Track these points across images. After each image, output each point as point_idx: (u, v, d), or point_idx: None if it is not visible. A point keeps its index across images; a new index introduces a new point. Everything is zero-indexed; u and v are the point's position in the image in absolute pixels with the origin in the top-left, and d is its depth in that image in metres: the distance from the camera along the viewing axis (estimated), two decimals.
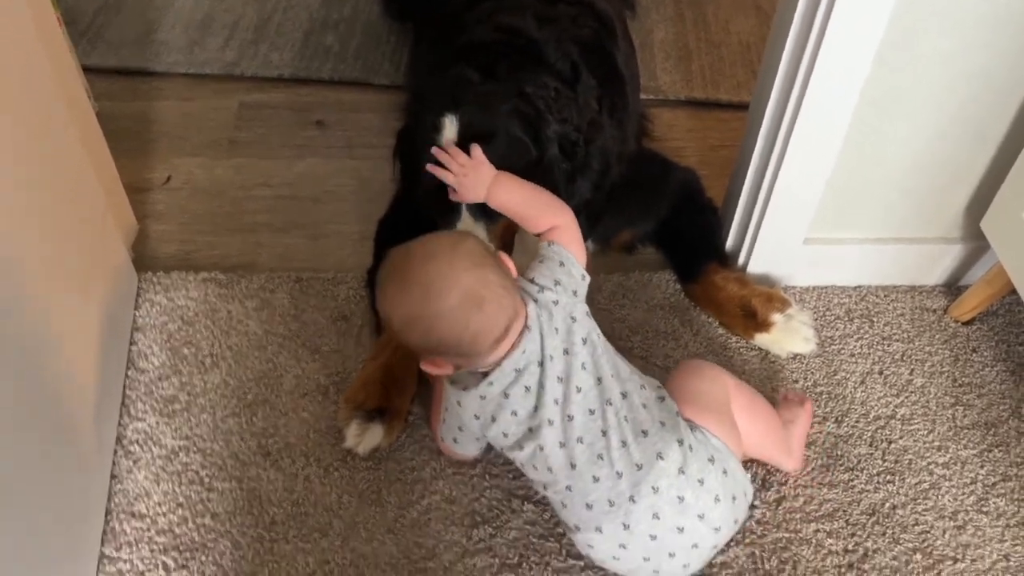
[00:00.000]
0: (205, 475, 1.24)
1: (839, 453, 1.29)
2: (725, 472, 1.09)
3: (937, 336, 1.44)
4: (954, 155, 1.35)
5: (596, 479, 1.07)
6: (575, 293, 1.13)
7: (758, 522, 1.21)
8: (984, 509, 1.23)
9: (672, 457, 1.07)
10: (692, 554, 1.09)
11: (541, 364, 1.08)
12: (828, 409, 1.34)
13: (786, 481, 1.25)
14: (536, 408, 1.09)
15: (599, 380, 1.09)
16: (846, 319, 1.46)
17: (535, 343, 1.07)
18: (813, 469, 1.27)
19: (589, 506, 1.08)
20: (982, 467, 1.28)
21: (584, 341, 1.10)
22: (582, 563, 1.17)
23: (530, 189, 1.18)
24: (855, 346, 1.42)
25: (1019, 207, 1.26)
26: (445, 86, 1.27)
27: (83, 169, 1.26)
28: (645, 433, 1.08)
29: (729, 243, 1.51)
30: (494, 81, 1.27)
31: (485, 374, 1.09)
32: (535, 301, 1.09)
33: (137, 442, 1.27)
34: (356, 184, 1.68)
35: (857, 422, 1.33)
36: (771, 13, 2.09)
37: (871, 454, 1.29)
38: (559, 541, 1.19)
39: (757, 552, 1.18)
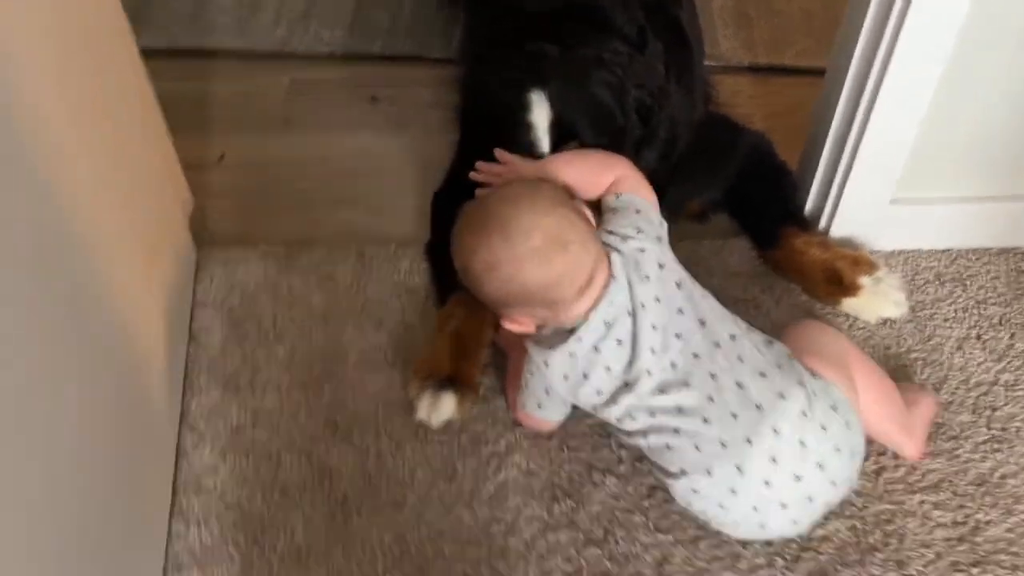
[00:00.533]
0: (273, 450, 1.20)
1: (940, 421, 1.21)
2: (848, 424, 1.03)
3: None
4: None
5: (707, 421, 1.02)
6: (659, 239, 1.09)
7: (858, 494, 1.14)
8: None
9: (796, 397, 1.01)
10: (805, 509, 1.03)
11: (632, 314, 1.04)
12: (924, 376, 1.27)
13: (885, 451, 1.17)
14: (631, 361, 1.04)
15: (702, 323, 1.05)
16: (937, 283, 1.38)
17: (623, 293, 1.03)
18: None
19: (698, 447, 1.03)
20: None
21: (679, 285, 1.06)
22: (671, 537, 1.10)
23: (578, 158, 1.15)
24: (948, 310, 1.34)
25: None
26: (524, 62, 1.22)
27: (144, 144, 1.22)
28: (763, 375, 1.03)
29: (809, 206, 1.44)
30: (572, 52, 1.22)
31: (571, 331, 1.03)
32: (619, 252, 1.04)
33: (202, 417, 1.23)
34: (412, 158, 1.63)
35: (957, 389, 1.25)
36: None
37: (974, 422, 1.21)
38: (645, 515, 1.13)
39: (859, 525, 1.11)
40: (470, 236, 1.05)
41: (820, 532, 1.10)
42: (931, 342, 1.30)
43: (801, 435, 1.01)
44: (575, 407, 1.14)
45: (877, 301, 1.31)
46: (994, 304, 1.35)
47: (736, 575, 1.07)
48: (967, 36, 1.17)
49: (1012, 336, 1.31)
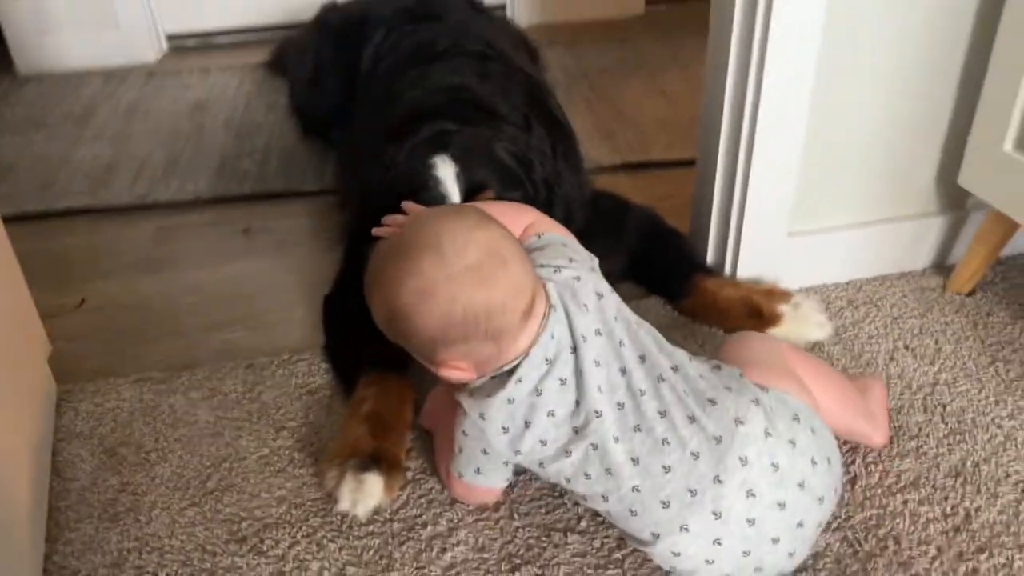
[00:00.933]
0: (166, 573, 0.98)
1: (897, 424, 1.15)
2: (814, 431, 0.93)
3: (946, 308, 1.36)
4: (912, 124, 1.34)
5: (667, 468, 0.89)
6: (592, 269, 1.00)
7: (839, 505, 1.03)
8: None
9: (754, 418, 0.90)
10: (797, 536, 0.90)
11: (574, 350, 0.92)
12: None
13: (853, 460, 1.09)
14: (578, 402, 0.92)
15: (643, 358, 0.94)
16: (851, 308, 1.37)
17: (562, 325, 0.93)
18: (877, 451, 1.11)
19: (666, 503, 0.89)
20: None
21: (616, 318, 0.96)
22: None
23: (490, 205, 1.05)
24: (870, 329, 1.32)
25: (996, 141, 1.23)
26: (427, 136, 1.19)
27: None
28: (713, 402, 0.92)
29: (711, 258, 1.43)
30: (470, 128, 1.21)
31: (510, 372, 0.92)
32: (554, 282, 0.94)
33: (73, 555, 1.01)
34: (294, 277, 1.53)
35: (902, 393, 1.20)
36: (675, 97, 2.18)
37: (930, 419, 1.15)
38: (620, 567, 0.97)
39: (850, 535, 1.00)
40: (393, 266, 0.89)
41: (813, 551, 0.98)
42: (863, 358, 1.27)
43: (771, 457, 0.89)
44: (521, 471, 1.02)
45: (801, 326, 1.28)
46: (910, 317, 1.34)
47: None
48: (825, 64, 1.23)
49: (936, 341, 1.29)
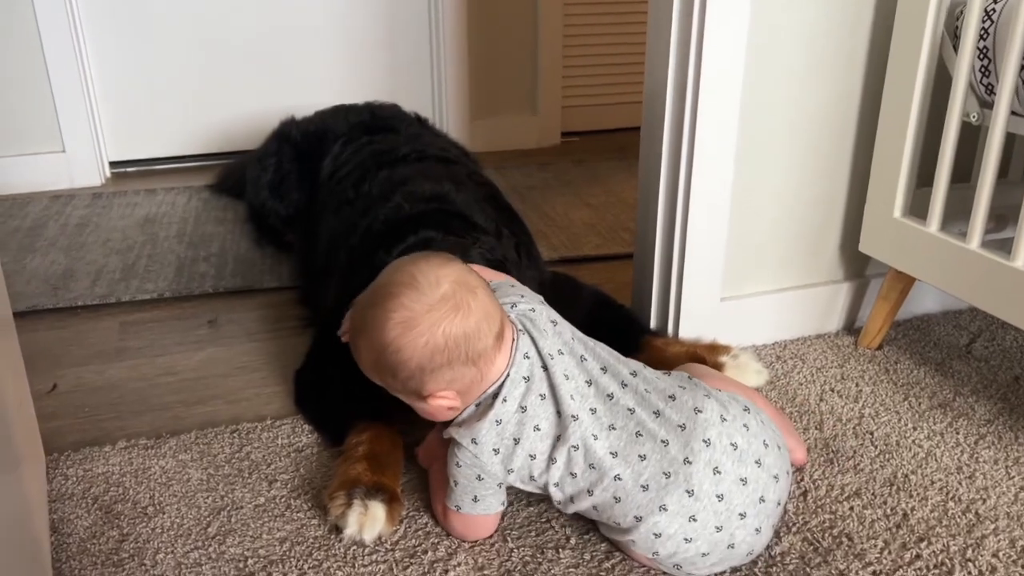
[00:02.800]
0: None
1: (834, 448, 1.30)
2: (762, 421, 1.08)
3: (861, 359, 1.55)
4: (817, 201, 1.57)
5: (643, 457, 1.02)
6: (542, 303, 1.15)
7: (795, 513, 1.16)
8: (980, 459, 1.27)
9: (710, 408, 1.04)
10: (761, 512, 1.02)
11: (545, 368, 1.06)
12: (806, 422, 1.37)
13: (802, 478, 1.23)
14: (558, 412, 1.04)
15: (604, 368, 1.09)
16: (780, 362, 1.54)
17: (531, 347, 1.06)
18: (819, 465, 1.26)
19: (645, 487, 1.01)
20: (958, 433, 1.33)
21: (573, 338, 1.11)
22: None
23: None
24: (799, 377, 1.49)
25: (886, 210, 1.46)
26: (410, 244, 1.30)
27: None
28: (672, 397, 1.06)
29: (654, 322, 1.59)
30: (452, 236, 1.32)
31: (495, 396, 1.04)
32: (512, 314, 1.09)
33: None
34: (264, 358, 1.61)
35: (835, 425, 1.36)
36: (599, 207, 2.41)
37: (862, 444, 1.31)
38: (611, 574, 1.06)
39: (809, 536, 1.12)
40: (377, 308, 1.01)
41: (778, 550, 1.10)
42: (796, 400, 1.43)
43: (730, 438, 1.02)
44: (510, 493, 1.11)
45: (741, 373, 1.43)
46: (831, 367, 1.52)
47: None
48: (742, 156, 1.46)
49: (856, 384, 1.47)
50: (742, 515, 1.01)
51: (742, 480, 1.01)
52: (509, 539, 1.12)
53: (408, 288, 1.02)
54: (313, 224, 1.82)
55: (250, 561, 1.08)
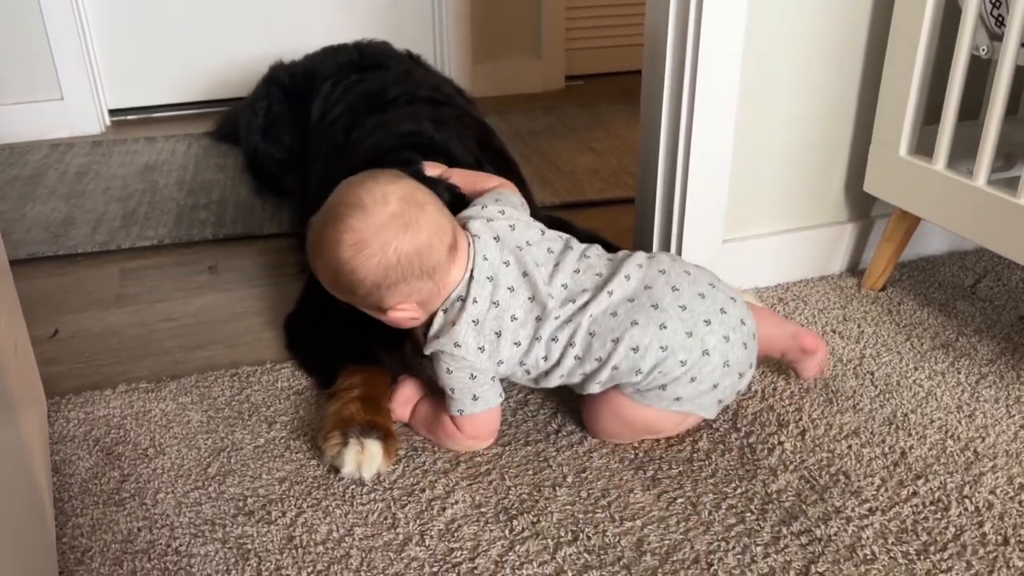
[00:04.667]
0: (178, 545, 1.02)
1: (834, 389, 1.29)
2: (744, 318, 1.14)
3: (864, 300, 1.54)
4: (822, 139, 1.54)
5: (611, 293, 1.09)
6: (529, 216, 1.19)
7: (793, 452, 1.16)
8: (981, 399, 1.26)
9: (673, 268, 1.14)
10: (725, 322, 1.10)
11: (509, 263, 1.10)
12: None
13: (800, 417, 1.23)
14: (532, 297, 1.09)
15: (567, 245, 1.15)
16: (782, 304, 1.53)
17: (492, 250, 1.10)
18: (819, 405, 1.26)
19: (614, 314, 1.08)
20: (959, 373, 1.32)
21: (542, 232, 1.16)
22: (639, 523, 1.05)
23: (470, 174, 1.27)
24: (801, 318, 1.48)
25: (892, 148, 1.43)
26: (396, 159, 1.30)
27: None
28: (640, 266, 1.13)
29: None
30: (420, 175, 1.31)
31: (463, 300, 1.07)
32: (477, 218, 1.13)
33: (83, 535, 1.04)
34: (264, 304, 1.61)
35: (835, 366, 1.35)
36: (603, 152, 2.38)
37: (862, 384, 1.30)
38: (608, 510, 1.07)
39: (806, 474, 1.12)
40: (328, 229, 1.04)
41: (774, 487, 1.10)
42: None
43: (697, 289, 1.11)
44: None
45: None
46: (834, 309, 1.51)
47: (712, 538, 1.02)
48: (746, 92, 1.42)
49: (859, 325, 1.46)
50: (707, 322, 1.08)
51: (700, 295, 1.10)
52: (507, 477, 1.12)
53: (355, 209, 1.03)
54: (306, 169, 1.81)
55: (249, 500, 1.09)
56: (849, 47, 1.47)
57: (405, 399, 1.22)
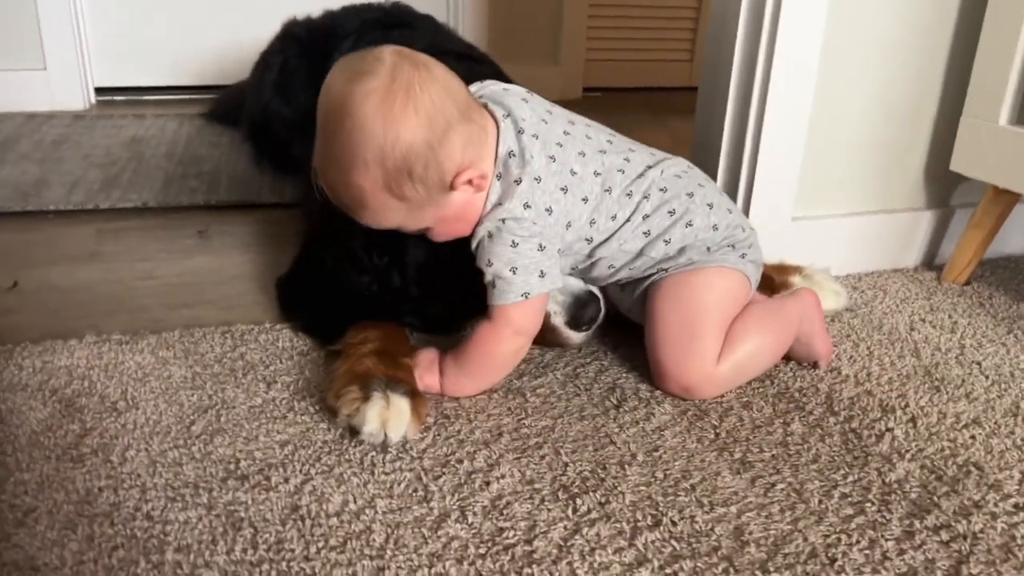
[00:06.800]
0: (150, 509, 0.79)
1: (938, 376, 1.10)
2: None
3: (949, 293, 1.36)
4: (904, 113, 1.38)
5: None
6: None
7: (906, 439, 0.96)
8: None
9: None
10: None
11: (545, 121, 1.00)
12: (899, 349, 1.17)
13: (906, 404, 1.03)
14: (583, 153, 0.99)
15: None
16: (858, 292, 1.34)
17: (523, 108, 0.99)
18: (925, 392, 1.07)
19: (701, 185, 1.06)
20: None
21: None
22: (734, 509, 0.83)
23: None
24: (883, 307, 1.29)
25: (990, 118, 1.27)
26: None
27: None
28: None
29: None
30: None
31: (509, 155, 0.96)
32: (488, 86, 1.06)
33: (27, 493, 0.81)
34: (263, 269, 1.39)
35: (933, 354, 1.16)
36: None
37: (969, 373, 1.11)
38: (692, 494, 0.86)
39: (928, 464, 0.92)
40: (345, 122, 0.89)
41: (892, 476, 0.90)
42: (884, 328, 1.23)
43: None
44: None
45: (818, 292, 1.23)
46: (917, 299, 1.33)
47: (828, 530, 0.81)
48: (825, 54, 1.26)
49: (950, 316, 1.27)
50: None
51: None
52: (562, 452, 0.91)
53: (357, 77, 0.90)
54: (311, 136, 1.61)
55: (243, 463, 0.87)
56: (936, 13, 1.32)
57: (429, 361, 1.01)
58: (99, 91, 2.47)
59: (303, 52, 1.73)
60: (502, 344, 0.97)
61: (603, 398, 1.02)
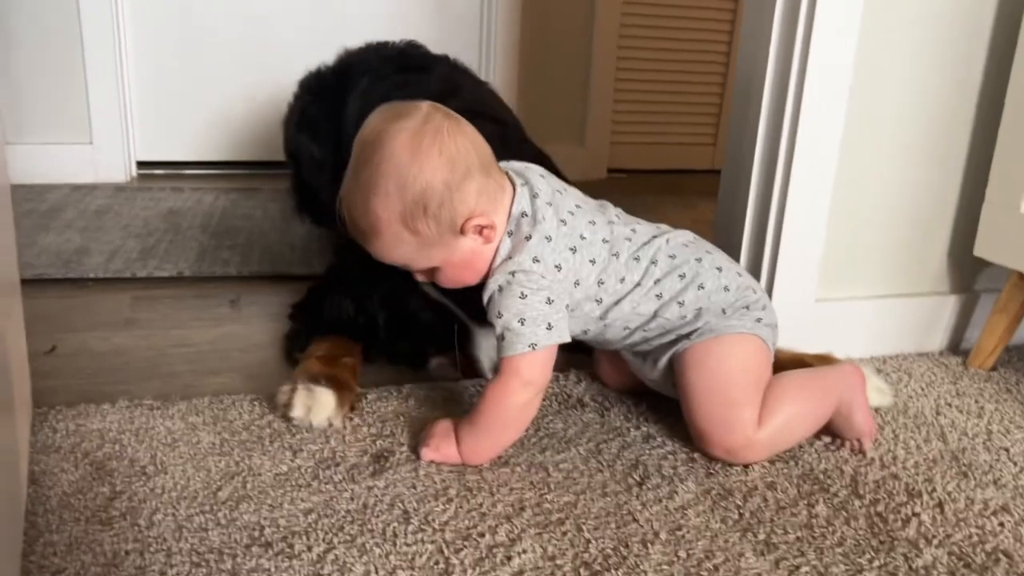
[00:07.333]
0: (175, 574, 0.80)
1: (966, 462, 1.09)
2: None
3: (975, 378, 1.35)
4: (927, 196, 1.40)
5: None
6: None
7: (933, 525, 0.95)
8: None
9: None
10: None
11: (560, 192, 1.06)
12: (925, 433, 1.17)
13: (933, 489, 1.02)
14: (594, 223, 1.04)
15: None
16: (882, 375, 1.34)
17: (540, 182, 1.04)
18: (952, 477, 1.06)
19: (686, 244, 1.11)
20: None
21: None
22: (772, 559, 0.83)
23: None
24: (908, 391, 1.29)
25: (1011, 204, 1.28)
26: None
27: None
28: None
29: None
30: None
31: (522, 215, 1.00)
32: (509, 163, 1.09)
33: (55, 554, 0.82)
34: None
35: (960, 439, 1.15)
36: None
37: (997, 459, 1.10)
38: (714, 574, 0.85)
39: (956, 550, 0.91)
40: (376, 151, 0.96)
41: (919, 562, 0.88)
42: (909, 411, 1.23)
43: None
44: None
45: None
46: (943, 383, 1.32)
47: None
48: (848, 136, 1.30)
49: (977, 401, 1.27)
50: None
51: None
52: (584, 529, 0.91)
53: (393, 120, 0.96)
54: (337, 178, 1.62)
55: (267, 530, 0.87)
56: (961, 95, 1.35)
57: (445, 431, 1.03)
58: (140, 164, 2.56)
59: (321, 93, 1.74)
60: (512, 396, 0.99)
61: (626, 475, 1.02)
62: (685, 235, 1.11)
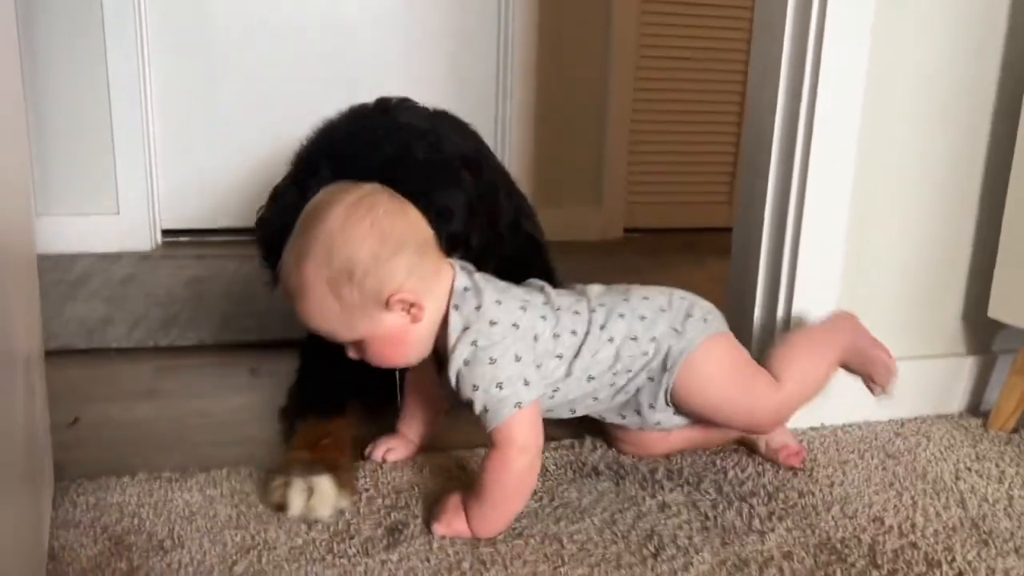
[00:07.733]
0: None
1: (986, 530, 1.08)
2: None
3: (996, 441, 1.34)
4: (939, 258, 1.40)
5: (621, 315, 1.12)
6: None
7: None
8: None
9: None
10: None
11: (488, 280, 1.08)
12: (944, 500, 1.15)
13: (953, 558, 1.01)
14: (528, 290, 1.10)
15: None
16: (901, 438, 1.33)
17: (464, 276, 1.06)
18: (972, 546, 1.04)
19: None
20: None
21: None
22: None
23: None
24: (926, 455, 1.28)
25: (1023, 263, 1.29)
26: None
27: None
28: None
29: None
30: None
31: (471, 291, 1.03)
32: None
33: None
34: None
35: (980, 505, 1.14)
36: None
37: (1019, 526, 1.09)
38: None
39: None
40: (312, 221, 0.99)
41: None
42: (928, 476, 1.22)
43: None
44: None
45: None
46: (963, 447, 1.31)
47: None
48: (858, 198, 1.32)
49: (997, 465, 1.26)
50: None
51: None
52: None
53: (334, 194, 1.00)
54: None
55: None
56: (969, 154, 1.37)
57: (454, 506, 1.04)
58: (165, 233, 2.62)
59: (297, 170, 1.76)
60: (511, 463, 0.99)
61: (640, 546, 1.02)
62: (598, 286, 1.15)
